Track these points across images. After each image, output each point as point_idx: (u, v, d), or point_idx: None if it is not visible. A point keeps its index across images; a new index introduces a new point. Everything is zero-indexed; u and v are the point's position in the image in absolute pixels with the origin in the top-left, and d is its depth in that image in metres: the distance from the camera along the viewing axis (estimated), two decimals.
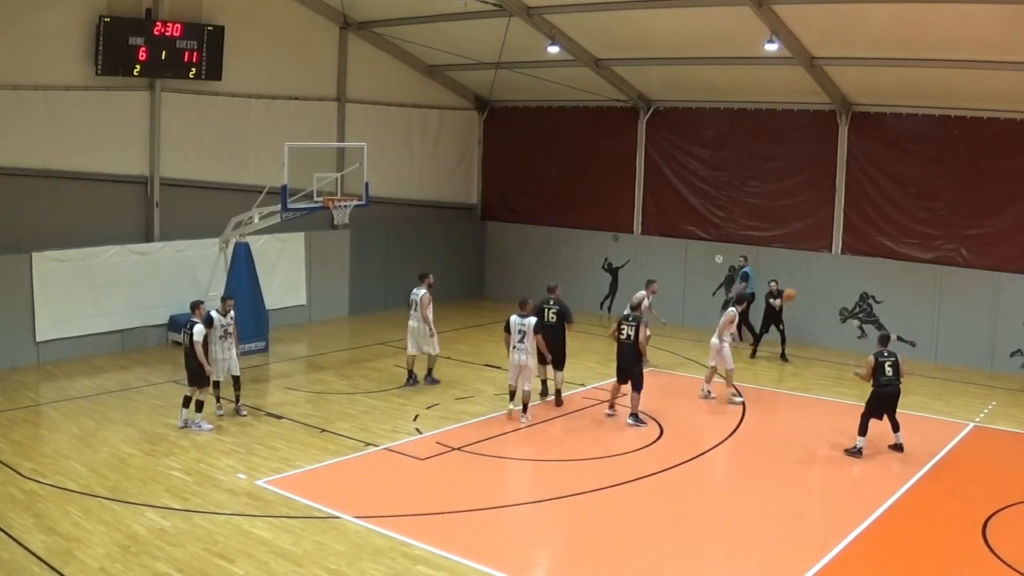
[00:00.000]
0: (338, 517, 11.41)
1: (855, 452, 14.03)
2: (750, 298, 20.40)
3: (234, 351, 15.47)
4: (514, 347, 15.42)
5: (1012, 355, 19.68)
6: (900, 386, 14.14)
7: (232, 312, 15.45)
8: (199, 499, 11.85)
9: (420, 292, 17.30)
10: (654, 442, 14.67)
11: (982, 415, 16.58)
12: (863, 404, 14.26)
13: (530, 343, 15.38)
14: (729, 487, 12.94)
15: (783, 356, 20.67)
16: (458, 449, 14.05)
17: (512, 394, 15.69)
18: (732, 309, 17.35)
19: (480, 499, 12.16)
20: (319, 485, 12.60)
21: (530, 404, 15.69)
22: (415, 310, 17.28)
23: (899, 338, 20.84)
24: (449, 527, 11.30)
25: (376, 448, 14.05)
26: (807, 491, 13.22)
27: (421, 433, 14.74)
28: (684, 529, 11.64)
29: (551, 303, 16.52)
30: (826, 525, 11.66)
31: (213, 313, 15.17)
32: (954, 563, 10.60)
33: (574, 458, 13.88)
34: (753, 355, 20.84)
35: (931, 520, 11.84)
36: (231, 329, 15.37)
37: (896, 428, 14.20)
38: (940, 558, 10.73)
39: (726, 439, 14.94)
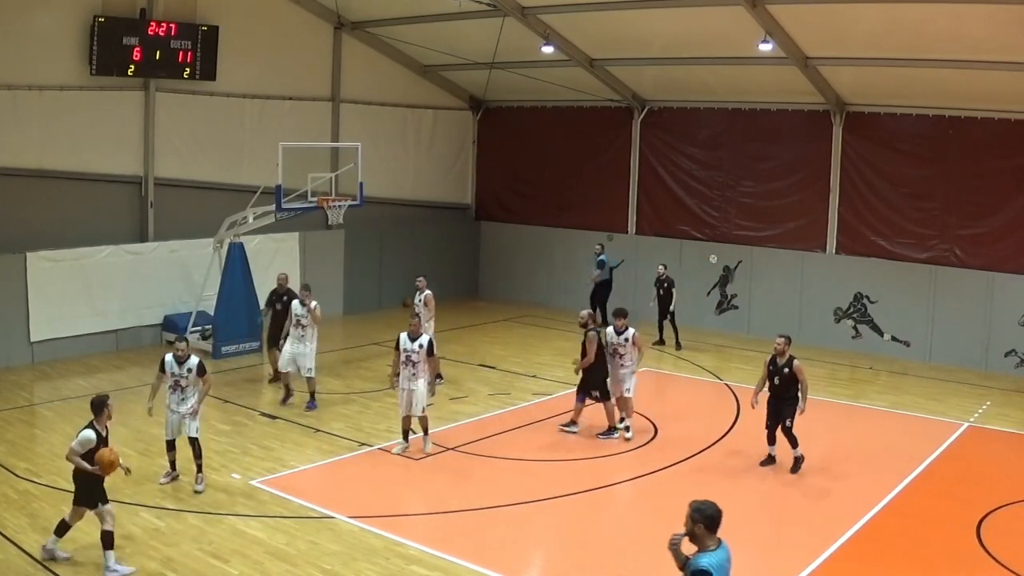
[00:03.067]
0: (332, 517, 11.40)
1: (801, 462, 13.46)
2: (606, 285, 23.04)
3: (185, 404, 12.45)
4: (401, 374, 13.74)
5: (1006, 355, 19.71)
6: None
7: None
8: (193, 499, 11.84)
9: (314, 304, 16.05)
10: (648, 443, 14.67)
11: (976, 415, 16.61)
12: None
13: (423, 366, 13.70)
14: (723, 487, 12.92)
15: (677, 345, 21.34)
16: (452, 449, 14.05)
17: (405, 432, 14.08)
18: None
19: (474, 499, 12.16)
20: (313, 485, 12.60)
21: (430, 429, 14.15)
22: (300, 326, 16.00)
23: (893, 338, 20.90)
24: (443, 527, 11.31)
25: (370, 448, 14.05)
26: (801, 491, 13.22)
27: (415, 433, 14.73)
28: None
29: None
30: (820, 525, 11.68)
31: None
32: (948, 563, 10.61)
33: (568, 458, 13.89)
34: (660, 342, 21.45)
35: (925, 520, 11.86)
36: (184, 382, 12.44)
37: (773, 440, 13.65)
38: (934, 558, 10.75)
39: (720, 440, 14.95)
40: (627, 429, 14.71)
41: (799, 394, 13.16)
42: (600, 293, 23.30)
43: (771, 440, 13.43)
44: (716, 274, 23.47)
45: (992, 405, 17.30)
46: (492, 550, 10.69)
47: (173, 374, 12.20)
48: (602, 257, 23.21)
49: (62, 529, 10.01)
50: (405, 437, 14.01)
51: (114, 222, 20.28)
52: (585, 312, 15.62)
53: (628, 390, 14.67)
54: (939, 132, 20.38)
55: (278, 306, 17.02)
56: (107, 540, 9.78)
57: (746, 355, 20.91)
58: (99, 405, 10.17)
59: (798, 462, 13.32)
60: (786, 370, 13.16)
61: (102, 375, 17.88)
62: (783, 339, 13.32)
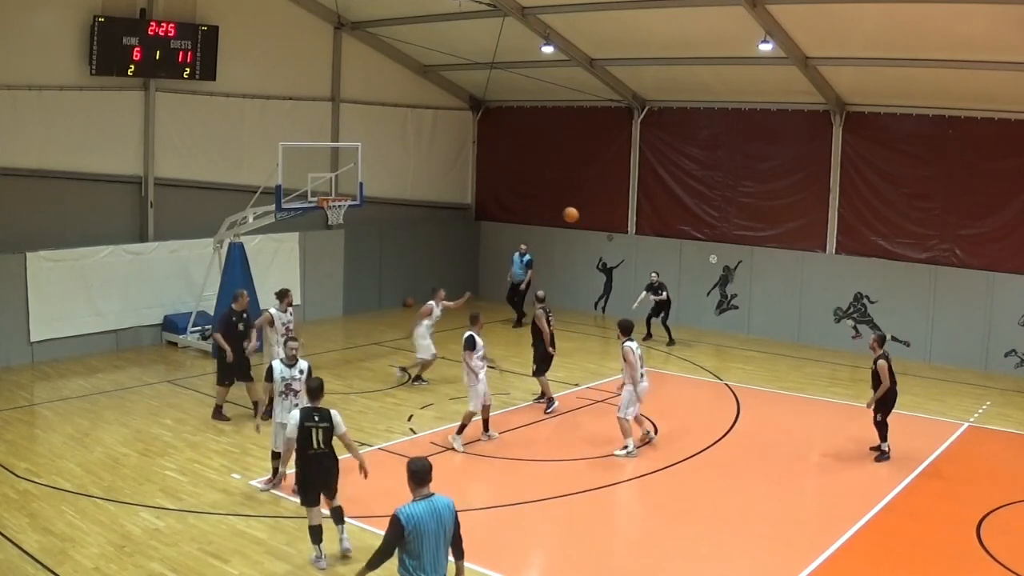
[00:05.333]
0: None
1: (886, 455, 13.96)
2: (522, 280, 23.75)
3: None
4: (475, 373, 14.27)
5: (1006, 355, 19.71)
6: None
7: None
8: (193, 499, 11.84)
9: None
10: (648, 442, 14.66)
11: (976, 415, 16.61)
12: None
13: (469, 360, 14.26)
14: (723, 487, 12.95)
15: (670, 342, 21.55)
16: (452, 449, 14.04)
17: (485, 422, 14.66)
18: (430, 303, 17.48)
19: (474, 499, 12.15)
20: None
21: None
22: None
23: (893, 338, 20.88)
24: None
25: (370, 448, 14.02)
26: (801, 491, 13.24)
27: (415, 433, 14.74)
28: (678, 529, 11.65)
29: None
30: (820, 525, 11.69)
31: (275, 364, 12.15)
32: (948, 563, 10.62)
33: (568, 458, 13.88)
34: (648, 336, 21.71)
35: (925, 520, 11.86)
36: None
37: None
38: (934, 558, 10.75)
39: (720, 439, 14.95)
40: (625, 448, 14.00)
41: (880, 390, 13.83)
42: (521, 293, 23.86)
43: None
44: (716, 274, 23.47)
45: (992, 405, 17.30)
46: (491, 550, 10.67)
47: (283, 379, 11.79)
48: (528, 257, 23.60)
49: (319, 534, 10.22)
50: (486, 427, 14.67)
51: (114, 222, 20.27)
52: (542, 292, 17.36)
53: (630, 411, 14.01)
54: (939, 132, 20.38)
55: (240, 327, 15.28)
56: (339, 515, 10.33)
57: (746, 355, 20.93)
58: (319, 389, 10.40)
59: (882, 455, 13.98)
60: (873, 366, 13.89)
61: (102, 375, 17.88)
62: (873, 337, 14.30)
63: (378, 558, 7.16)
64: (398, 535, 7.02)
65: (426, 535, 7.04)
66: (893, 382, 13.74)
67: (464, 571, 7.54)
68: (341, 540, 10.37)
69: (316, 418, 10.08)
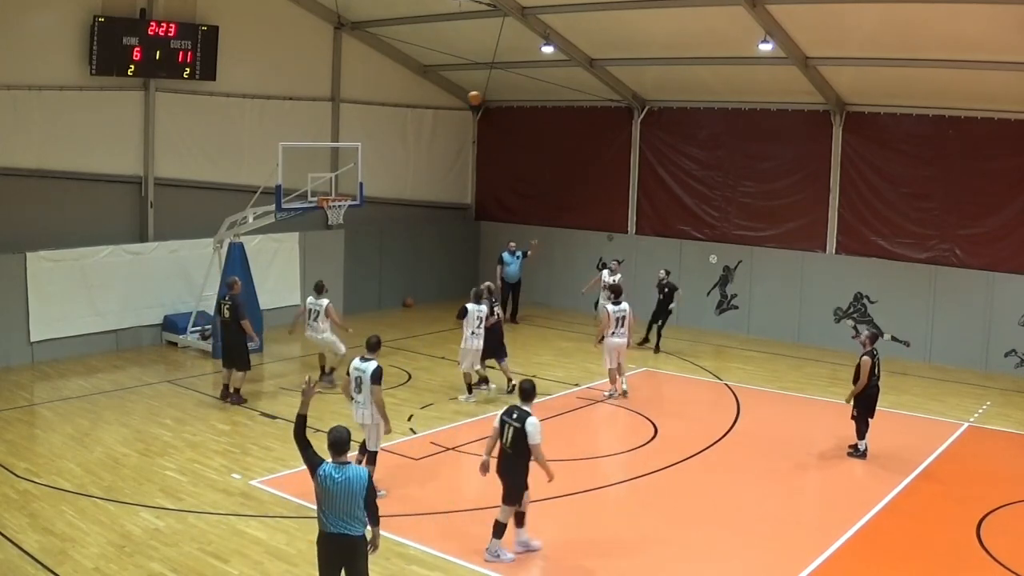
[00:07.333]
0: None
1: (860, 454, 14.06)
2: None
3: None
4: (472, 333, 16.48)
5: (1006, 355, 19.71)
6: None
7: None
8: (193, 499, 11.84)
9: (324, 302, 17.21)
10: (648, 442, 14.68)
11: (976, 415, 16.62)
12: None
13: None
14: (723, 487, 12.95)
15: (656, 348, 21.21)
16: (452, 449, 14.05)
17: (469, 386, 16.76)
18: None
19: (474, 499, 12.16)
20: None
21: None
22: (317, 320, 17.13)
23: (893, 338, 20.90)
24: (443, 527, 11.30)
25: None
26: (801, 491, 13.24)
27: (415, 433, 14.74)
28: (678, 529, 11.64)
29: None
30: (820, 525, 11.69)
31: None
32: (949, 563, 10.62)
33: (568, 458, 13.87)
34: (645, 340, 21.36)
35: (925, 520, 11.86)
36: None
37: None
38: (934, 558, 10.75)
39: (720, 439, 14.95)
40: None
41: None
42: (518, 290, 24.33)
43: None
44: (716, 274, 23.47)
45: (992, 405, 17.31)
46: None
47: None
48: (518, 252, 23.98)
49: (501, 530, 10.45)
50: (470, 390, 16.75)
51: (114, 222, 20.27)
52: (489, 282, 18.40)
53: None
54: (939, 132, 20.38)
55: (226, 313, 16.44)
56: (499, 530, 10.40)
57: (746, 355, 20.93)
58: (531, 391, 10.46)
59: (855, 451, 14.18)
60: (858, 361, 14.13)
61: (102, 375, 17.88)
62: (866, 333, 14.71)
63: (297, 431, 8.33)
64: (311, 464, 8.07)
65: (328, 493, 7.91)
66: (871, 381, 13.86)
67: (379, 536, 8.34)
68: (523, 542, 10.58)
69: (514, 416, 10.13)
